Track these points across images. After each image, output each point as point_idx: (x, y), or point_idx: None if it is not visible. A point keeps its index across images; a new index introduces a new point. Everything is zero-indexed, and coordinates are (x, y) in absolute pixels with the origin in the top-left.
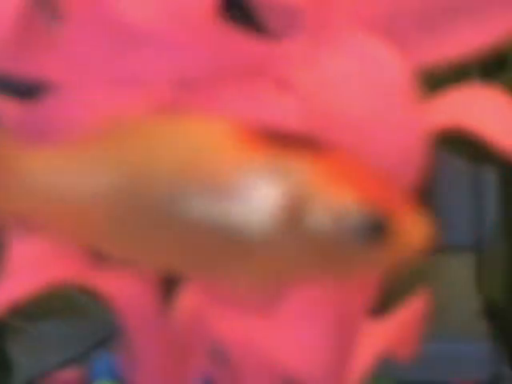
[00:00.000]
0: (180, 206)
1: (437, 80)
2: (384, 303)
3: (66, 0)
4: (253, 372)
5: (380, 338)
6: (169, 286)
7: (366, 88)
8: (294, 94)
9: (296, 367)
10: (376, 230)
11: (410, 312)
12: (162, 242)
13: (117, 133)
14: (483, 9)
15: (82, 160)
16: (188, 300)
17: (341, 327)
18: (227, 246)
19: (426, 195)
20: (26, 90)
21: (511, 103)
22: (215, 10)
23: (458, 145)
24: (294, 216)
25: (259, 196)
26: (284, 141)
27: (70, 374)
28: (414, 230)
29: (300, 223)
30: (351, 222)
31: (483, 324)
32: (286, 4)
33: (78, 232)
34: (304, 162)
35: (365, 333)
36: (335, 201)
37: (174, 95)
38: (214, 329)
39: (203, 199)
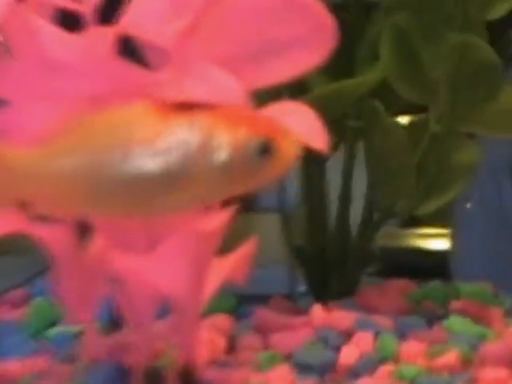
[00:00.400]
0: (126, 166)
1: (260, 97)
2: (224, 247)
3: (14, 41)
4: (139, 293)
5: (223, 269)
6: (83, 233)
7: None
8: None
9: (167, 289)
10: (264, 151)
11: (243, 252)
12: (120, 195)
13: (74, 128)
14: (289, 56)
15: (57, 153)
16: (97, 243)
17: (198, 262)
18: (164, 187)
19: None
20: None
21: (310, 113)
22: (114, 50)
23: None
24: (207, 154)
25: (181, 145)
26: (187, 107)
27: (18, 292)
28: (287, 149)
29: (212, 158)
30: (248, 148)
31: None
32: (159, 47)
33: (64, 203)
34: (205, 117)
35: (213, 265)
36: (234, 137)
37: (87, 107)
38: (114, 263)
39: (141, 156)
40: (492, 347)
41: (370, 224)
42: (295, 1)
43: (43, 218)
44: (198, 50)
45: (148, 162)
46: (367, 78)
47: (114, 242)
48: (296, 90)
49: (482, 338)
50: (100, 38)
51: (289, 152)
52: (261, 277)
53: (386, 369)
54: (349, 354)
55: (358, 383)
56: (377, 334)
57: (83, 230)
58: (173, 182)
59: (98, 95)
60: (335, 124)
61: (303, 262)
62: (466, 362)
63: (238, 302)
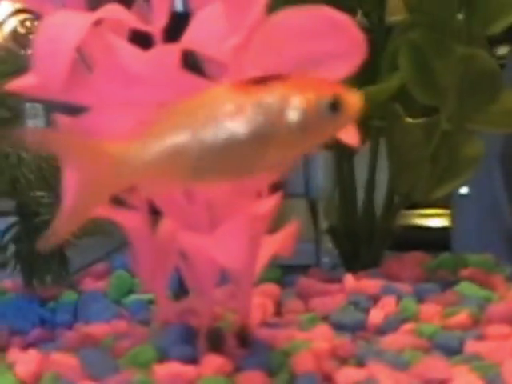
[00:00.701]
0: (221, 136)
1: None
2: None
3: (95, 57)
4: (202, 266)
5: (272, 245)
6: (156, 217)
7: None
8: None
9: (226, 263)
10: (334, 107)
11: (288, 231)
12: (218, 163)
13: (166, 116)
14: (326, 67)
15: (158, 138)
16: (166, 225)
17: (253, 240)
18: (254, 150)
19: None
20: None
21: None
22: (180, 63)
23: None
24: (286, 116)
25: (263, 111)
26: (262, 81)
27: (101, 266)
28: (352, 104)
29: (291, 119)
30: (319, 107)
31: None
32: (217, 60)
33: (168, 181)
34: (279, 86)
35: (264, 241)
36: (307, 99)
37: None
38: (181, 241)
39: (232, 126)
40: (497, 308)
41: (391, 207)
42: (334, 21)
43: (122, 203)
44: (250, 63)
45: (239, 130)
46: (389, 84)
47: (181, 222)
48: None
49: (488, 300)
50: (167, 54)
51: (353, 106)
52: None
53: (408, 327)
54: (376, 315)
55: (384, 339)
56: (399, 298)
57: (155, 214)
58: (261, 144)
59: (166, 102)
60: (362, 124)
61: (337, 239)
62: (475, 321)
63: (284, 272)
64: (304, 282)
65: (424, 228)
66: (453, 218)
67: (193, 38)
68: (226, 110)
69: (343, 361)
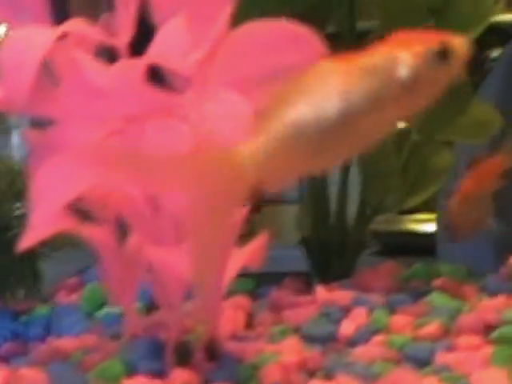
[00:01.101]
0: (339, 110)
1: None
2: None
3: (60, 69)
4: (170, 279)
5: (241, 257)
6: (123, 232)
7: (228, 120)
8: (190, 124)
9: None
10: (442, 56)
11: (258, 243)
12: (339, 139)
13: (273, 104)
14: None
15: (274, 128)
16: (134, 239)
17: (221, 252)
18: (370, 113)
19: None
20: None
21: None
22: (144, 77)
23: None
24: (398, 75)
25: (375, 75)
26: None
27: (74, 279)
28: (459, 50)
29: (403, 76)
30: (428, 58)
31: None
32: (182, 73)
33: (291, 168)
34: (384, 49)
35: (233, 254)
36: (415, 53)
37: (123, 126)
38: (148, 255)
39: (349, 95)
40: (467, 318)
41: (363, 217)
42: (296, 34)
43: (90, 218)
44: (215, 76)
45: (355, 99)
46: None
47: (148, 238)
48: None
49: (459, 310)
50: (132, 68)
51: (461, 53)
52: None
53: (379, 338)
54: (347, 327)
55: (355, 351)
56: (371, 310)
57: (122, 229)
58: (379, 108)
59: (131, 115)
60: None
61: (309, 249)
62: (446, 332)
63: (256, 283)
64: (276, 293)
65: (416, 233)
66: (438, 222)
67: (157, 51)
68: (338, 81)
69: (312, 373)
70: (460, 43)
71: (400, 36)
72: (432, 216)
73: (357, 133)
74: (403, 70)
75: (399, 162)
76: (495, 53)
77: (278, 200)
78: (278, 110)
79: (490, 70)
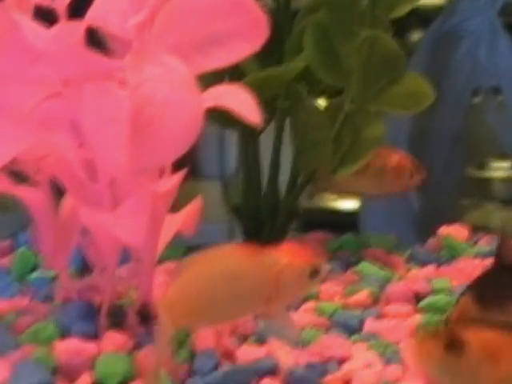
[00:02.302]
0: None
1: (206, 81)
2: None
3: None
4: (105, 243)
5: (175, 223)
6: (58, 194)
7: (168, 84)
8: (129, 87)
9: (128, 240)
10: (313, 273)
11: (191, 209)
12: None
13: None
14: (228, 45)
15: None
16: (69, 202)
17: (154, 217)
18: None
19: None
20: None
21: (246, 94)
22: (83, 40)
23: (214, 116)
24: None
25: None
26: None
27: (5, 243)
28: (325, 269)
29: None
30: (305, 272)
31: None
32: (121, 37)
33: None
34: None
35: (166, 220)
36: (297, 265)
37: (61, 89)
38: (84, 218)
39: None
40: (397, 287)
41: (295, 187)
42: (236, 1)
43: (24, 180)
44: (154, 41)
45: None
46: (293, 65)
47: (83, 200)
48: (234, 75)
49: (388, 280)
50: (71, 31)
51: (323, 274)
52: (204, 231)
53: (309, 306)
54: None
55: None
56: None
57: (57, 191)
58: (250, 294)
59: (70, 79)
60: (267, 104)
61: (240, 218)
62: (375, 300)
63: (187, 251)
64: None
65: (336, 210)
66: (361, 199)
67: (96, 15)
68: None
69: (244, 338)
70: (325, 266)
71: (289, 248)
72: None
73: (238, 303)
74: (282, 275)
75: (331, 131)
76: (415, 36)
77: (198, 175)
78: (191, 273)
79: (411, 53)
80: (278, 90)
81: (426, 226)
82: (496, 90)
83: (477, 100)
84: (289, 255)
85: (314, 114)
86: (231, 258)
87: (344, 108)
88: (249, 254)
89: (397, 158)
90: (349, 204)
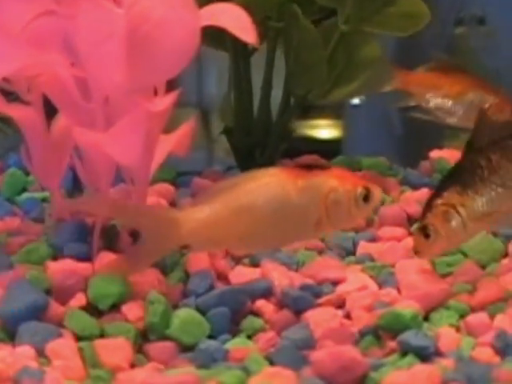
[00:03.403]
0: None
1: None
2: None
3: None
4: (98, 163)
5: (168, 143)
6: (50, 112)
7: (164, 1)
8: (124, 5)
9: (121, 160)
10: (364, 197)
11: (184, 130)
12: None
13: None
14: None
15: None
16: (61, 121)
17: (148, 137)
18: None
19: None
20: None
21: (241, 11)
22: None
23: (205, 35)
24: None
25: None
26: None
27: None
28: (377, 193)
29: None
30: (355, 195)
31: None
32: None
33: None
34: (324, 176)
35: (160, 141)
36: (345, 188)
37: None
38: (77, 138)
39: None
40: (389, 210)
41: (287, 108)
42: None
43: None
44: None
45: (284, 204)
46: None
47: (76, 119)
48: None
49: (382, 202)
50: None
51: (377, 199)
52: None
53: None
54: None
55: None
56: None
57: (50, 110)
58: (301, 218)
59: None
60: (259, 25)
61: (232, 139)
62: (369, 222)
63: (178, 175)
64: (198, 182)
65: (314, 139)
66: (344, 127)
67: None
68: (277, 188)
69: (238, 260)
70: (378, 191)
71: (337, 171)
72: (334, 122)
73: (282, 231)
74: (333, 200)
75: (326, 52)
76: None
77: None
78: (225, 192)
79: None
80: (270, 11)
81: (410, 151)
82: (480, 21)
83: (461, 30)
84: (338, 178)
85: (308, 33)
86: (275, 181)
87: (338, 28)
88: (295, 177)
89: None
90: (329, 132)
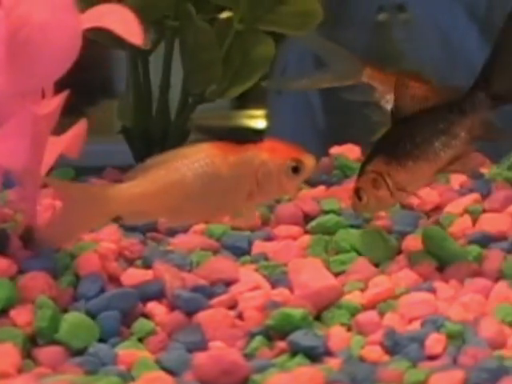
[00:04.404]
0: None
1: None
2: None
3: None
4: None
5: (58, 145)
6: None
7: (44, 4)
8: (3, 8)
9: (8, 162)
10: (295, 168)
11: (75, 131)
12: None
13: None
14: None
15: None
16: None
17: (35, 140)
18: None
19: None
20: None
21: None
22: None
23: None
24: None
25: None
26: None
27: None
28: (309, 164)
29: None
30: (285, 168)
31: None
32: None
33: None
34: (254, 150)
35: (50, 143)
36: (274, 161)
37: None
38: None
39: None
40: (285, 209)
41: (186, 107)
42: None
43: None
44: None
45: (214, 179)
46: None
47: None
48: None
49: (278, 200)
50: None
51: (309, 169)
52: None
53: (198, 228)
54: None
55: (174, 240)
56: None
57: None
58: (232, 191)
59: None
60: (156, 24)
61: (130, 139)
62: (265, 221)
63: (76, 173)
64: (96, 183)
65: (247, 129)
66: (268, 117)
67: None
68: (208, 163)
69: (131, 262)
70: (310, 162)
71: (269, 144)
72: (263, 112)
73: (213, 205)
74: (263, 173)
75: (221, 51)
76: None
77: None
78: (156, 168)
79: None
80: (168, 10)
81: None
82: (401, 8)
83: (382, 17)
84: (269, 151)
85: (202, 33)
86: (205, 157)
87: (233, 27)
88: (225, 152)
89: None
90: (257, 123)
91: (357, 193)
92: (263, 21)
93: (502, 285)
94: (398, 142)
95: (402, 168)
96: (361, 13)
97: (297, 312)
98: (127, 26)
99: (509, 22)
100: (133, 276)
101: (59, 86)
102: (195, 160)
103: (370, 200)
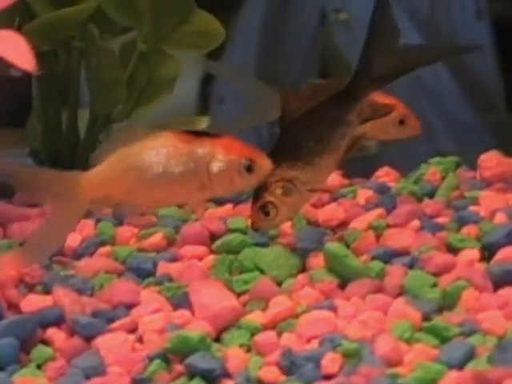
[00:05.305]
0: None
1: None
2: None
3: None
4: None
5: None
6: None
7: None
8: None
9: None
10: (249, 167)
11: None
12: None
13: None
14: None
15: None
16: None
17: None
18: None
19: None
20: None
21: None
22: None
23: None
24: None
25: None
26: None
27: None
28: (263, 165)
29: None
30: (238, 166)
31: None
32: None
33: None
34: (210, 144)
35: None
36: (228, 157)
37: None
38: None
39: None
40: (191, 228)
41: (94, 128)
42: None
43: None
44: None
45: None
46: (84, 6)
47: None
48: (26, 15)
49: (185, 220)
50: None
51: (263, 168)
52: None
53: (104, 250)
54: (73, 239)
55: (79, 263)
56: (98, 221)
57: None
58: (182, 183)
59: None
60: (64, 45)
61: (39, 161)
62: (171, 242)
63: None
64: (2, 207)
65: None
66: (209, 124)
67: None
68: (163, 151)
69: (31, 288)
70: (265, 163)
71: (227, 141)
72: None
73: (167, 191)
74: (215, 167)
75: (126, 71)
76: None
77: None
78: (118, 154)
79: None
80: (73, 31)
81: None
82: (338, 10)
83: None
84: (225, 147)
85: (105, 54)
86: (162, 145)
87: (137, 48)
88: (182, 142)
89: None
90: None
91: (262, 209)
92: (166, 41)
93: (400, 301)
94: (297, 143)
95: (309, 166)
96: (302, 18)
97: (194, 334)
98: (18, 52)
99: (378, 9)
100: (32, 302)
101: None
102: (152, 147)
103: (281, 211)
